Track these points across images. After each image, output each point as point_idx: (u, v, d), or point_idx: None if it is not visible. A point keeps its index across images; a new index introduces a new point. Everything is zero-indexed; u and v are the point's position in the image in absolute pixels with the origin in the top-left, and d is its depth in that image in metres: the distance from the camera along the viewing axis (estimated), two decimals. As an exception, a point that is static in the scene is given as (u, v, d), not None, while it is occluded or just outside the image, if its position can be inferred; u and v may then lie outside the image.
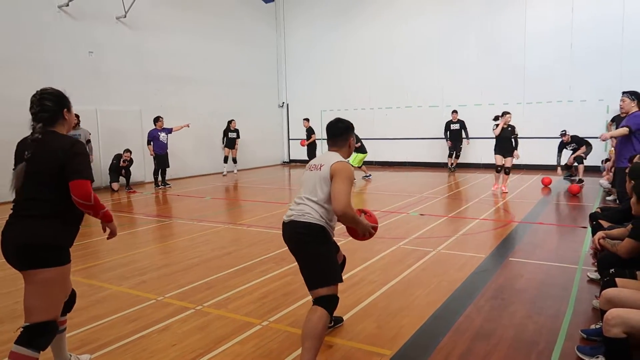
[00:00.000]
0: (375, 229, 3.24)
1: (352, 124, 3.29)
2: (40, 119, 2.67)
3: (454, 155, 14.97)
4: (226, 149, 15.27)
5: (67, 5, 11.54)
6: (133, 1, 12.54)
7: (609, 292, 2.92)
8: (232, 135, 15.17)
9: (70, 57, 11.81)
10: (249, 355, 3.31)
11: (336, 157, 3.08)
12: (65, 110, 2.77)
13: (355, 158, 12.48)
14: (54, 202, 2.59)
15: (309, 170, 3.16)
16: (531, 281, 4.73)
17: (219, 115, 15.62)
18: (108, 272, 5.38)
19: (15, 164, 2.65)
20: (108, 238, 2.90)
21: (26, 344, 2.52)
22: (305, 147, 14.63)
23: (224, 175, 15.10)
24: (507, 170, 10.17)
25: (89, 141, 11.04)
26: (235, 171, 15.61)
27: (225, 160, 15.26)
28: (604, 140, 9.55)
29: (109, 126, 12.38)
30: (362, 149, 12.65)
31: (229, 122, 15.21)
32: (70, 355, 3.16)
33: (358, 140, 12.34)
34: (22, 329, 2.58)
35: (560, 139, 11.92)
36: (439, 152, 15.98)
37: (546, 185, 10.97)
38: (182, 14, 14.84)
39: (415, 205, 9.18)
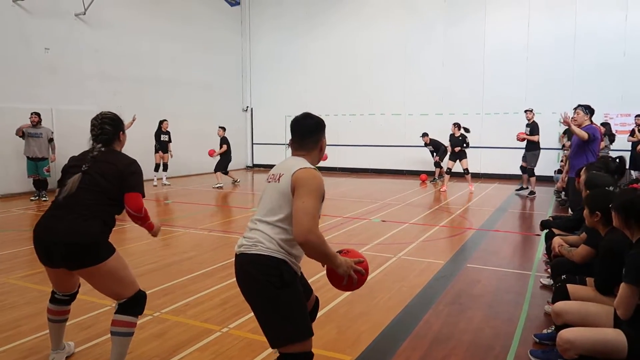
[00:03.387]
0: (363, 265, 2.42)
1: (323, 120, 2.57)
2: (100, 140, 3.08)
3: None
4: (158, 154, 13.29)
5: (21, -1, 11.11)
6: (93, -1, 12.20)
7: (558, 306, 3.02)
8: (164, 137, 13.32)
9: (26, 53, 11.35)
10: (208, 362, 3.25)
11: (301, 162, 2.37)
12: (121, 132, 3.19)
13: None
14: (101, 208, 2.90)
15: (267, 181, 2.48)
16: (488, 287, 4.86)
17: (181, 118, 15.31)
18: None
19: (65, 174, 3.00)
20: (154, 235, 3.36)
21: (126, 312, 2.96)
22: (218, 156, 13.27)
23: (154, 185, 13.18)
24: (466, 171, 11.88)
25: (51, 139, 10.69)
26: (165, 180, 13.47)
27: (157, 167, 13.33)
28: (519, 141, 11.08)
29: (65, 126, 11.92)
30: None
31: (161, 123, 13.32)
32: (65, 345, 3.34)
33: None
34: (118, 305, 2.97)
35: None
36: (401, 159, 16.26)
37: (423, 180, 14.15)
38: (144, 14, 14.53)
39: (377, 211, 9.30)
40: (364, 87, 16.72)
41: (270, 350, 3.41)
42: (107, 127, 3.10)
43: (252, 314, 3.95)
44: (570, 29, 13.85)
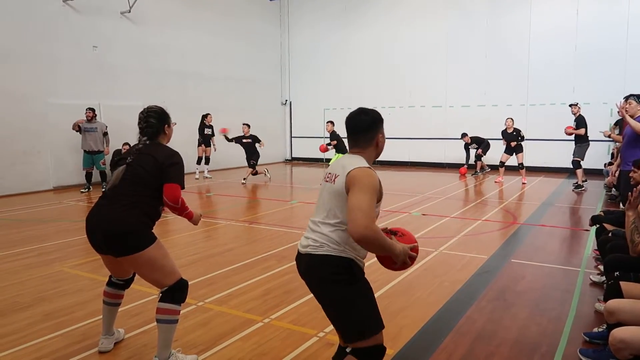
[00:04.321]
0: (415, 250, 2.37)
1: (380, 115, 2.45)
2: (146, 134, 3.18)
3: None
4: (201, 147, 13.49)
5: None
6: (138, -4, 12.54)
7: (611, 304, 2.89)
8: (207, 131, 13.51)
9: (75, 51, 11.80)
10: (251, 351, 3.31)
11: (355, 161, 2.30)
12: (166, 125, 3.25)
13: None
14: (141, 199, 3.00)
15: (324, 180, 2.46)
16: (533, 283, 4.72)
17: (222, 111, 15.54)
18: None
19: (114, 167, 3.14)
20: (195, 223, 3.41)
21: (168, 300, 3.04)
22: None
23: (196, 178, 13.45)
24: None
25: (105, 133, 11.23)
26: (207, 173, 13.72)
27: (199, 161, 13.58)
28: (567, 135, 10.75)
29: (112, 121, 12.33)
30: (342, 148, 11.86)
31: (204, 117, 13.50)
32: (115, 331, 3.46)
33: (337, 137, 11.89)
34: (160, 293, 3.07)
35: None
36: (441, 152, 15.97)
37: (463, 174, 13.61)
38: (186, 10, 14.82)
39: (416, 205, 9.18)
40: (404, 79, 16.48)
41: (311, 341, 3.44)
42: (152, 121, 3.19)
43: (292, 305, 4.09)
44: (623, 14, 13.15)
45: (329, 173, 2.42)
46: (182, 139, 13.80)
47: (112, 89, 12.60)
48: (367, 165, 2.30)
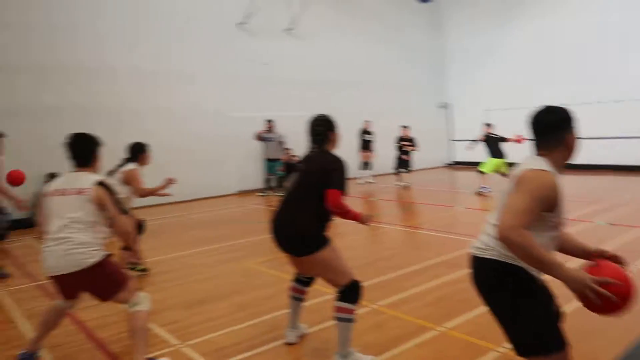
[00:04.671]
0: (610, 288, 1.92)
1: (568, 113, 2.22)
2: (314, 141, 3.41)
3: None
4: (363, 152, 13.90)
5: (244, 23, 12.89)
6: (299, 14, 13.45)
7: None
8: (367, 137, 13.91)
9: (249, 68, 13.11)
10: (429, 358, 3.30)
11: (535, 163, 2.14)
12: (331, 132, 3.42)
13: (490, 164, 10.62)
14: (312, 203, 3.20)
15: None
16: None
17: (381, 117, 15.76)
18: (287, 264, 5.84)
19: (287, 174, 3.54)
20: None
21: (342, 300, 3.21)
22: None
23: (359, 183, 13.59)
24: None
25: (282, 142, 12.41)
26: (369, 178, 14.02)
27: (362, 166, 13.89)
28: None
29: (283, 131, 13.40)
30: (497, 152, 10.65)
31: (364, 123, 13.96)
32: (299, 326, 3.73)
33: (494, 140, 10.71)
34: (337, 293, 3.24)
35: None
36: (632, 152, 13.93)
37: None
38: (342, 21, 15.39)
39: (602, 213, 8.15)
40: (572, 74, 14.78)
41: (490, 355, 3.31)
42: (319, 128, 3.40)
43: (468, 315, 3.96)
44: None
45: (512, 174, 2.27)
46: (345, 146, 14.44)
47: (283, 101, 13.69)
48: (547, 168, 2.10)
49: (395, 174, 13.36)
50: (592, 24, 14.48)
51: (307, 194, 3.23)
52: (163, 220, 9.32)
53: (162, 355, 3.48)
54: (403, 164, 13.11)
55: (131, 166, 5.26)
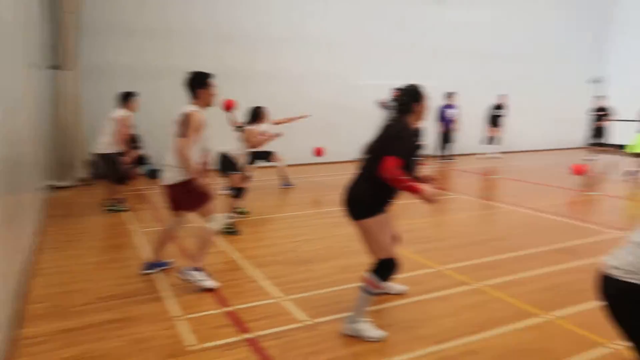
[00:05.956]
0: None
1: None
2: (398, 110, 3.36)
3: None
4: (491, 127, 13.46)
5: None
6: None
7: None
8: (499, 112, 13.39)
9: (405, 35, 12.86)
10: (527, 345, 3.17)
11: None
12: (415, 103, 3.31)
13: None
14: (374, 172, 3.14)
15: None
16: None
17: (520, 92, 14.62)
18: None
19: None
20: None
21: (373, 272, 3.26)
22: None
23: (486, 157, 13.38)
24: None
25: None
26: (495, 153, 13.41)
27: (489, 141, 13.54)
28: None
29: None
30: None
31: (499, 97, 13.44)
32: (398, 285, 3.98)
33: None
34: (372, 265, 3.30)
35: None
36: None
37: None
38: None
39: None
40: None
41: (598, 350, 3.07)
42: (404, 98, 3.34)
43: (582, 306, 3.68)
44: None
45: None
46: (472, 118, 13.78)
47: (419, 70, 13.30)
48: None
49: (590, 146, 13.00)
50: None
51: (372, 161, 3.21)
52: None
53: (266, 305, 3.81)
54: (598, 134, 12.74)
55: (251, 126, 6.28)
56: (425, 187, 3.09)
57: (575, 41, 16.24)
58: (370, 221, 3.22)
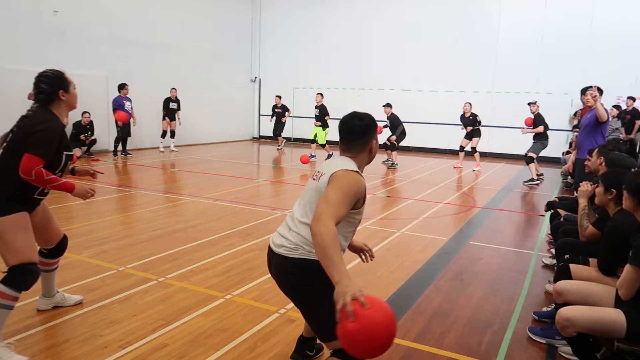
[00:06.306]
0: (370, 302, 1.73)
1: (374, 120, 2.41)
2: (37, 100, 3.00)
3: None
4: (165, 121, 13.46)
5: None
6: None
7: (560, 285, 3.03)
8: (172, 105, 13.48)
9: (32, 15, 11.22)
10: (212, 327, 3.31)
11: (345, 163, 2.26)
12: (62, 91, 3.03)
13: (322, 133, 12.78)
14: (9, 167, 2.84)
15: (312, 178, 2.39)
16: (489, 265, 4.89)
17: (190, 86, 15.19)
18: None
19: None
20: (84, 199, 3.17)
21: (6, 282, 2.80)
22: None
23: (161, 151, 13.42)
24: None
25: None
26: (173, 147, 13.68)
27: (164, 134, 13.55)
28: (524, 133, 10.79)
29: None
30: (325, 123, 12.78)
31: (170, 90, 13.54)
32: (57, 291, 3.50)
33: (327, 113, 12.75)
34: (5, 272, 2.85)
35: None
36: (408, 136, 16.13)
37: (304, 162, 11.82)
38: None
39: (382, 187, 9.30)
40: (374, 61, 16.48)
41: (272, 317, 3.48)
42: (43, 86, 3.00)
43: (255, 282, 4.11)
44: (588, 7, 13.53)
45: (318, 171, 2.36)
46: (147, 112, 13.54)
47: (73, 57, 12.07)
48: (356, 169, 2.25)
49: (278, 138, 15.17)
50: (395, 14, 16.16)
51: (8, 156, 2.86)
52: None
53: None
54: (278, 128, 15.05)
55: None
56: (77, 183, 3.01)
57: (235, 42, 17.95)
58: (3, 220, 2.80)
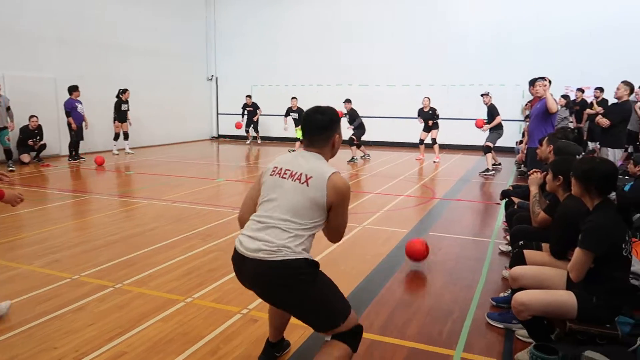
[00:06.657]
0: None
1: (337, 114, 2.44)
2: None
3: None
4: (117, 123, 13.07)
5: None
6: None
7: (515, 270, 3.12)
8: (124, 107, 13.12)
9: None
10: (172, 331, 3.23)
11: (324, 164, 2.33)
12: None
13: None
14: None
15: (282, 176, 2.31)
16: (448, 254, 4.99)
17: (143, 86, 14.79)
18: (16, 250, 5.01)
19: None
20: (13, 205, 3.11)
21: None
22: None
23: (115, 154, 13.11)
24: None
25: (9, 108, 10.35)
26: (128, 149, 13.45)
27: (117, 137, 13.20)
28: (480, 128, 10.97)
29: (19, 93, 11.27)
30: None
31: (122, 93, 13.07)
32: None
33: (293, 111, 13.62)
34: None
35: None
36: (367, 130, 16.29)
37: (100, 164, 10.91)
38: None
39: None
40: (332, 57, 16.52)
41: (234, 318, 3.43)
42: None
43: (216, 283, 4.04)
44: (535, 3, 14.02)
45: (294, 171, 2.29)
46: (98, 114, 13.07)
47: (19, 58, 11.53)
48: (333, 168, 2.31)
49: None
50: (355, 10, 16.22)
51: None
52: None
53: None
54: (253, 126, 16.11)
55: None
56: (6, 189, 2.98)
57: (189, 41, 17.60)
58: None
